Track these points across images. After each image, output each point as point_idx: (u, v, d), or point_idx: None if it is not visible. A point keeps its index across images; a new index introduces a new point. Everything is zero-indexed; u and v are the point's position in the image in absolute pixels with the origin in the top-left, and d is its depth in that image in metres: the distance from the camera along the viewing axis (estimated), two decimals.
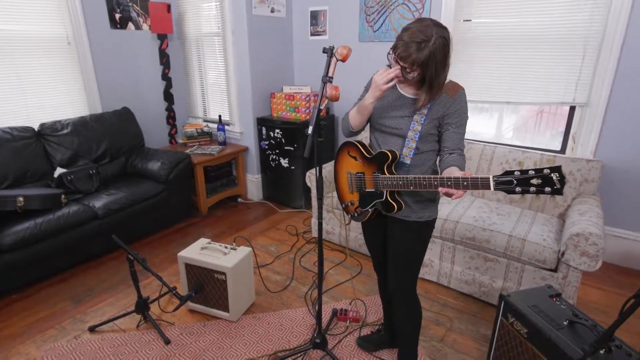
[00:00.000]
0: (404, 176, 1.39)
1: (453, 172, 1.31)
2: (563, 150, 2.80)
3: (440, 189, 1.27)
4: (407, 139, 1.45)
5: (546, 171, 1.10)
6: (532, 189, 1.13)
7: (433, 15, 2.96)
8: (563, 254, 2.01)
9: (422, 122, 1.42)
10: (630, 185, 2.59)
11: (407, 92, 1.48)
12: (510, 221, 2.34)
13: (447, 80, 1.43)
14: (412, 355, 1.79)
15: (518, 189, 1.15)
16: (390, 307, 1.85)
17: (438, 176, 1.30)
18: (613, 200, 2.67)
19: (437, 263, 2.47)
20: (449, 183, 1.26)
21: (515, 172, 1.16)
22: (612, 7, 2.35)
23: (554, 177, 1.09)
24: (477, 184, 1.21)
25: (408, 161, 1.46)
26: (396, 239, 1.58)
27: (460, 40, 2.91)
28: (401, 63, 1.32)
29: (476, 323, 2.18)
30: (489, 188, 1.19)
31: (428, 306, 2.31)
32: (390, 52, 1.35)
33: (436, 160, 1.54)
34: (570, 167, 2.47)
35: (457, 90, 1.41)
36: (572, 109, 2.71)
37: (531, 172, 1.12)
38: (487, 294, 2.31)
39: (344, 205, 1.67)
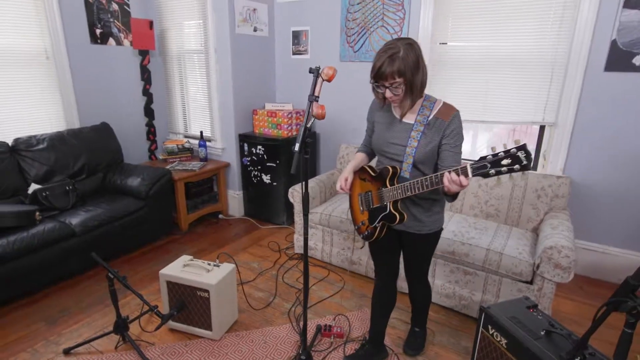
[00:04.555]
0: (402, 184, 1.49)
1: None
2: (535, 167, 2.94)
3: (445, 177, 1.32)
4: (405, 155, 1.55)
5: (513, 150, 1.19)
6: (504, 169, 1.21)
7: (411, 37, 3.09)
8: (538, 266, 2.10)
9: (419, 138, 1.53)
10: (597, 200, 2.74)
11: (399, 113, 1.59)
12: (487, 235, 2.43)
13: (440, 102, 1.56)
14: (424, 329, 2.14)
15: (492, 171, 1.23)
16: (384, 314, 1.96)
17: (427, 176, 1.41)
18: (582, 214, 2.81)
19: None
20: (436, 180, 1.37)
21: (488, 157, 1.25)
22: (575, 35, 2.52)
23: (521, 155, 1.18)
24: (458, 172, 1.30)
25: (407, 175, 1.55)
26: (414, 250, 1.78)
27: (437, 62, 3.05)
28: (386, 83, 1.44)
29: (457, 336, 2.22)
30: (468, 175, 1.28)
31: (409, 320, 2.34)
32: (371, 80, 1.50)
33: None
34: (542, 183, 2.59)
35: (451, 113, 1.53)
36: (542, 128, 2.87)
37: (501, 154, 1.22)
38: (467, 306, 2.36)
39: (356, 227, 1.77)
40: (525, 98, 2.79)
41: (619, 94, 2.52)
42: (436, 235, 1.74)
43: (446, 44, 2.99)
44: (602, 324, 1.01)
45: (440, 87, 3.08)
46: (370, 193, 1.67)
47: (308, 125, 1.54)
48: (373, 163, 1.77)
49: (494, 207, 2.74)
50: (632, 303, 0.91)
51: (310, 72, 1.55)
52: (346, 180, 1.69)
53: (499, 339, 1.64)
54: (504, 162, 1.21)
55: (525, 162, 1.17)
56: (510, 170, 1.20)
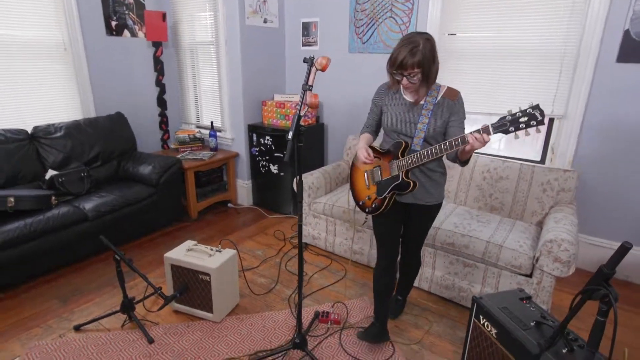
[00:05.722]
0: (419, 152, 1.64)
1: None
2: (543, 160, 2.89)
3: (469, 136, 1.47)
4: (417, 130, 1.71)
5: (529, 110, 1.38)
6: (522, 125, 1.39)
7: (419, 28, 3.07)
8: (537, 259, 2.08)
9: (429, 115, 1.70)
10: (604, 195, 2.68)
11: (412, 98, 1.74)
12: (489, 228, 2.42)
13: (445, 86, 1.73)
14: (406, 298, 2.36)
15: (511, 128, 1.41)
16: (386, 296, 2.02)
17: (446, 141, 1.55)
18: (589, 209, 2.75)
19: None
20: (456, 143, 1.51)
21: (507, 117, 1.43)
22: (586, 25, 2.46)
23: (536, 113, 1.36)
24: (480, 131, 1.46)
25: (418, 148, 1.70)
26: (418, 221, 1.94)
27: (446, 52, 3.01)
28: (405, 73, 1.58)
29: (454, 327, 2.23)
30: (490, 133, 1.45)
31: (408, 310, 2.37)
32: (391, 70, 1.62)
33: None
34: (547, 176, 2.55)
35: (456, 94, 1.72)
36: (551, 120, 2.81)
37: (518, 114, 1.40)
38: (466, 298, 2.36)
39: (361, 203, 1.91)
40: (534, 90, 2.74)
41: (631, 86, 2.44)
42: (440, 206, 1.92)
43: (455, 34, 2.96)
44: (592, 315, 1.01)
45: (448, 77, 3.05)
46: (378, 168, 1.82)
47: (302, 114, 1.57)
48: (376, 144, 1.88)
49: (498, 200, 2.71)
50: (604, 291, 0.92)
51: (304, 61, 1.57)
52: (366, 151, 1.79)
53: (489, 329, 1.65)
54: (522, 119, 1.38)
55: (540, 118, 1.35)
56: (527, 126, 1.38)
